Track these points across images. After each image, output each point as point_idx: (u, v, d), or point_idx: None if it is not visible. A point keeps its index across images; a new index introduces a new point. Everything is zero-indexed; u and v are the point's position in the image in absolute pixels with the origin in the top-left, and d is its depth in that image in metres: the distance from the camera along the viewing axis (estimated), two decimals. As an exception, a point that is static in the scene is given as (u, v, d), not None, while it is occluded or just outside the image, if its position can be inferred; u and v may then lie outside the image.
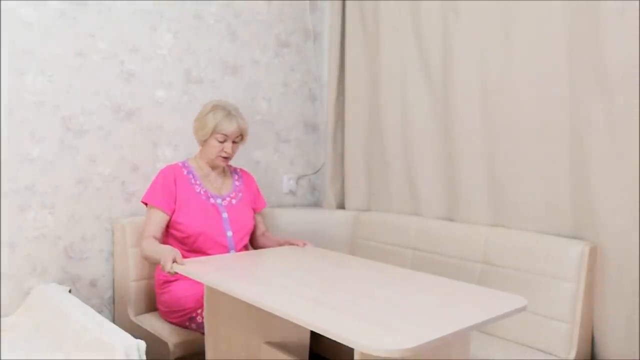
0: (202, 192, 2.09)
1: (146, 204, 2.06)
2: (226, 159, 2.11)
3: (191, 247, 2.04)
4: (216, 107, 2.09)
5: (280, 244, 2.12)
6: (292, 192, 2.92)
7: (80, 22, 2.17)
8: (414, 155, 2.42)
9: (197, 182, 2.11)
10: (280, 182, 2.87)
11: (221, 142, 2.06)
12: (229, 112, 2.08)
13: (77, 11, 2.16)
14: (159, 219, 2.01)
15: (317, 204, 3.04)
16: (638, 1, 1.68)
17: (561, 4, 1.88)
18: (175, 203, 2.04)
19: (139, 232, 2.21)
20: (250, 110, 2.69)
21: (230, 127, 2.05)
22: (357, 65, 2.69)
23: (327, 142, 2.84)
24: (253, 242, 2.25)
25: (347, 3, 2.73)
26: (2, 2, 1.99)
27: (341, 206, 2.85)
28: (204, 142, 2.10)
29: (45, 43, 2.09)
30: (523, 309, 1.38)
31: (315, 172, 3.02)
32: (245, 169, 2.36)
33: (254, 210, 2.24)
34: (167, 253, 1.75)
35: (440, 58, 2.28)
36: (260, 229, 2.25)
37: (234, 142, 2.09)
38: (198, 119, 2.12)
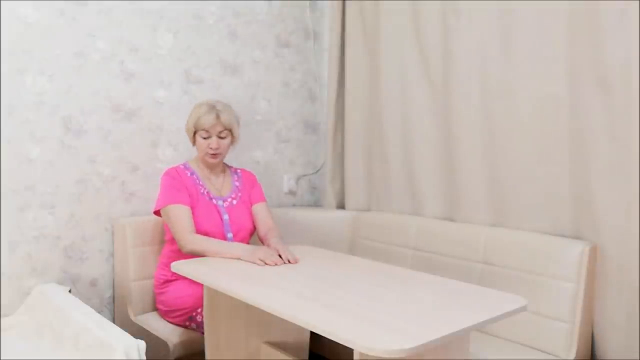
0: (205, 192, 2.08)
1: (159, 212, 2.02)
2: (214, 155, 2.05)
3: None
4: (200, 104, 2.08)
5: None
6: (292, 192, 2.92)
7: (80, 22, 2.17)
8: (414, 155, 2.42)
9: (200, 182, 2.10)
10: (280, 182, 2.87)
11: (205, 138, 2.04)
12: (212, 107, 2.05)
13: (77, 11, 2.15)
14: (185, 212, 1.96)
15: (317, 204, 3.04)
16: (638, 1, 1.68)
17: (561, 4, 1.88)
18: (189, 198, 2.01)
19: (139, 232, 2.21)
20: (250, 110, 2.69)
21: (208, 121, 2.00)
22: (357, 65, 2.69)
23: (327, 142, 2.83)
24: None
25: (347, 3, 2.73)
26: (2, 2, 1.99)
27: (341, 206, 2.85)
28: (194, 141, 2.10)
29: (45, 43, 2.09)
30: (523, 309, 1.39)
31: (315, 172, 3.02)
32: (246, 168, 2.35)
33: (251, 203, 2.17)
34: (265, 250, 1.82)
35: (440, 58, 2.28)
36: (262, 229, 2.11)
37: (221, 137, 2.05)
38: (187, 119, 2.12)
